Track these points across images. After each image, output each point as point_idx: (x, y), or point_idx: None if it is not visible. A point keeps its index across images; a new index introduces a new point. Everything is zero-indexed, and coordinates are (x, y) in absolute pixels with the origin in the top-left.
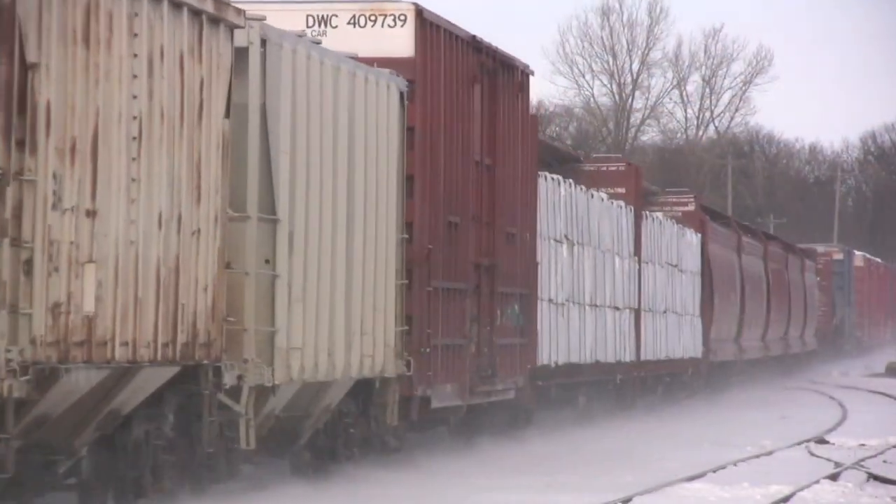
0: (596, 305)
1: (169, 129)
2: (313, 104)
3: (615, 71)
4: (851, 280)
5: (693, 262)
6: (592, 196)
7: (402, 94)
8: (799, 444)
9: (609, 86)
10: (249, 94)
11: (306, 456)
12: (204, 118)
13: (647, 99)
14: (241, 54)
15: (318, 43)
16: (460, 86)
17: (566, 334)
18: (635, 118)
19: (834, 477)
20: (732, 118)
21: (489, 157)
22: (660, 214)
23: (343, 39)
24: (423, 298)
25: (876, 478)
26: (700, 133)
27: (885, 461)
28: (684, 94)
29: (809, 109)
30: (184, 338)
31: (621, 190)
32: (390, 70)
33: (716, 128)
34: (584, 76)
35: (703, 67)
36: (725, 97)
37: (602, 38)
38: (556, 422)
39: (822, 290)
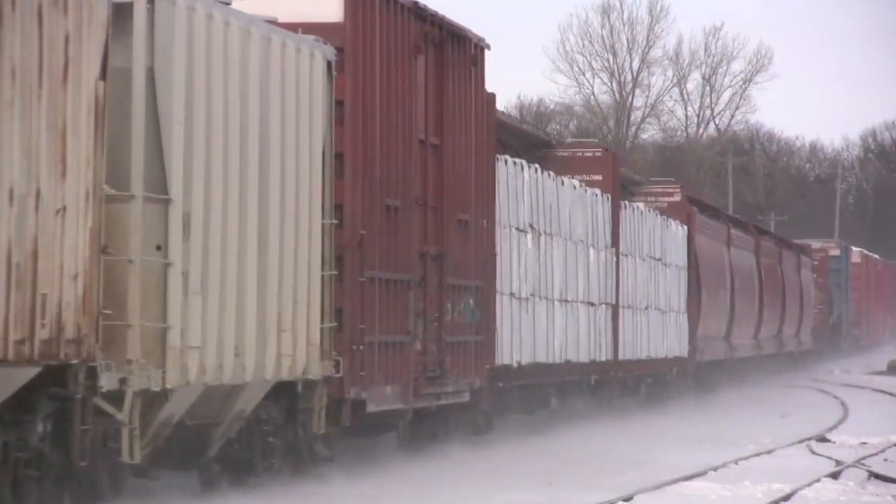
0: (566, 301)
1: (24, 90)
2: (215, 71)
3: (615, 69)
4: (849, 277)
5: (678, 255)
6: (563, 183)
7: (328, 64)
8: (800, 442)
9: (609, 84)
10: (134, 56)
11: (216, 468)
12: (70, 79)
13: (648, 97)
14: (124, 11)
15: (227, 3)
16: (400, 56)
17: (531, 331)
18: (635, 116)
19: (835, 475)
20: (733, 116)
21: (436, 136)
22: (641, 204)
23: (264, 2)
24: (355, 290)
25: (877, 476)
26: (700, 131)
27: (886, 459)
28: (684, 92)
29: (810, 107)
30: (46, 333)
31: (597, 177)
32: (315, 37)
33: (716, 126)
34: (584, 74)
35: (704, 65)
36: (726, 95)
37: (602, 36)
38: (526, 425)
39: (819, 287)
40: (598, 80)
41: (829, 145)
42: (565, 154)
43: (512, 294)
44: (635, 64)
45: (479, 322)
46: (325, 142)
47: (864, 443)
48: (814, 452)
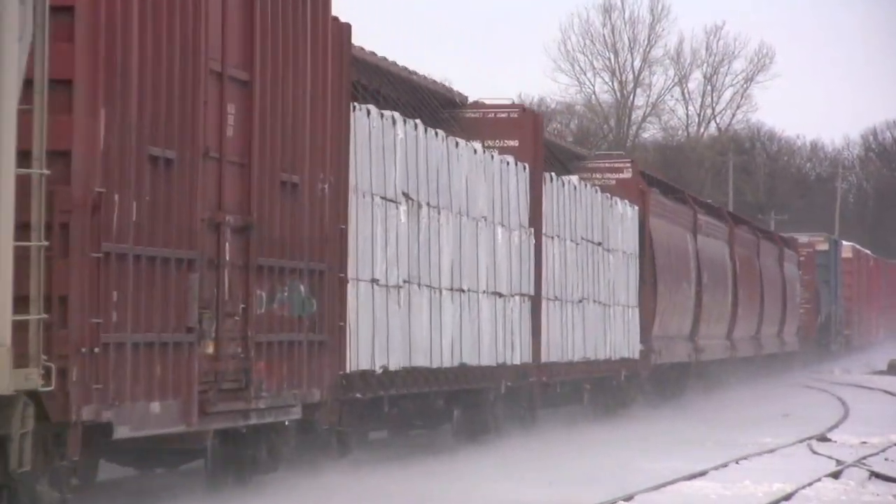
0: (461, 290)
1: None
2: None
3: (617, 68)
4: (838, 273)
5: (628, 240)
6: (457, 144)
7: None
8: (801, 441)
9: (610, 83)
10: None
11: None
12: None
13: (649, 96)
14: None
15: None
16: None
17: (404, 328)
18: (637, 115)
19: (836, 475)
20: (734, 115)
21: (243, 68)
22: (575, 178)
23: None
24: (87, 270)
25: (878, 475)
26: (701, 130)
27: (886, 459)
28: (686, 91)
29: (811, 106)
30: None
31: (512, 142)
32: None
33: (717, 125)
34: (585, 73)
35: (705, 65)
36: (727, 94)
37: (604, 35)
38: (412, 444)
39: (805, 284)
40: (599, 80)
41: (830, 144)
42: (474, 115)
43: (375, 281)
44: (636, 63)
45: (318, 316)
46: (36, 62)
47: (865, 442)
48: (814, 452)
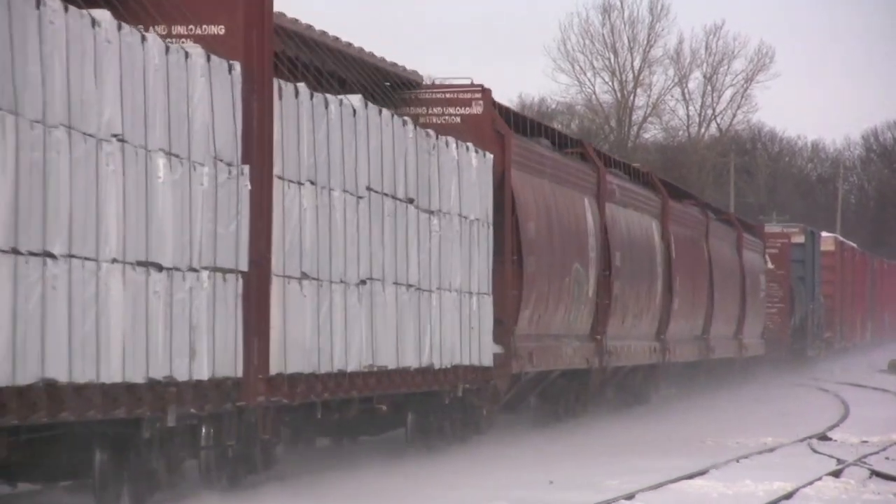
0: (49, 255)
1: None
2: None
3: (616, 68)
4: (817, 268)
5: (473, 200)
6: (39, 4)
7: None
8: (801, 440)
9: (610, 83)
10: None
11: None
12: None
13: (649, 96)
14: None
15: None
16: None
17: None
18: (637, 116)
19: (836, 474)
20: (734, 116)
21: None
22: (356, 98)
23: None
24: None
25: (878, 474)
26: (702, 131)
27: (887, 458)
28: (686, 91)
29: (811, 107)
30: None
31: (216, 29)
32: None
33: (718, 125)
34: (585, 73)
35: (705, 65)
36: (727, 94)
37: (603, 35)
38: None
39: (778, 280)
40: (599, 80)
41: (831, 145)
42: None
43: None
44: (636, 63)
45: None
46: None
47: (865, 441)
48: (815, 451)
